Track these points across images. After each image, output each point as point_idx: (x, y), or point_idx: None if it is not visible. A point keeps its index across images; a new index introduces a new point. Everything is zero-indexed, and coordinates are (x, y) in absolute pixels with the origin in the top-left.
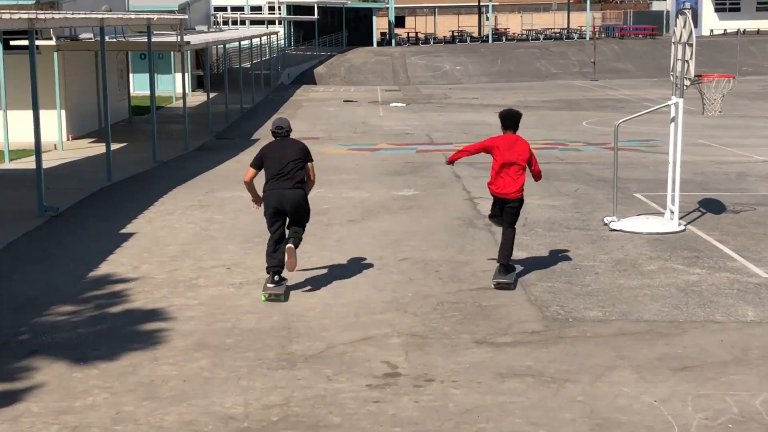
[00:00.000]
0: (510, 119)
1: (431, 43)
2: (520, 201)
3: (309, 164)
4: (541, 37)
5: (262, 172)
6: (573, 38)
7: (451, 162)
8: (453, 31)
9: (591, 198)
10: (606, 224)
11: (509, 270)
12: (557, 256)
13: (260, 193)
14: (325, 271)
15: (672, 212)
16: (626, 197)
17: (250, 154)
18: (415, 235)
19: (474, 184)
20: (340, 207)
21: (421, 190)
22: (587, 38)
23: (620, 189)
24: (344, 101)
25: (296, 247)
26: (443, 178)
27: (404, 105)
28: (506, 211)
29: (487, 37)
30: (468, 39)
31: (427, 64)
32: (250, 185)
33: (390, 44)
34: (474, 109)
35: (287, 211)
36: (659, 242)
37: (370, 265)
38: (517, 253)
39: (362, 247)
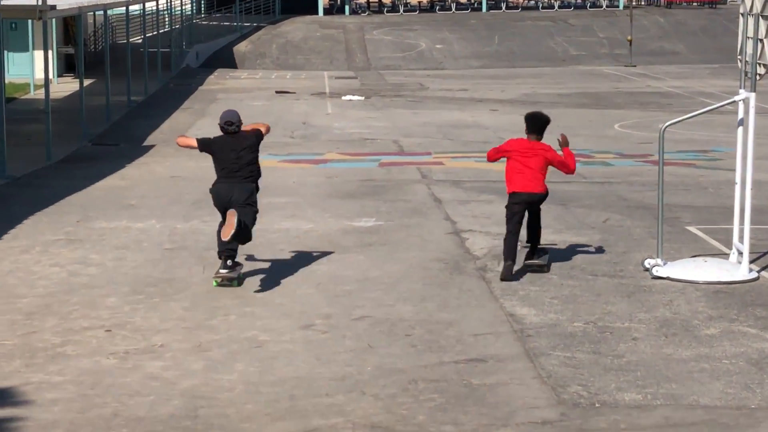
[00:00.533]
0: (535, 122)
1: (401, 11)
2: (546, 195)
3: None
4: (557, 4)
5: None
6: (601, 6)
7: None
8: None
9: (626, 232)
10: (647, 269)
11: (541, 253)
12: (579, 315)
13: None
14: (248, 333)
15: (740, 253)
16: (676, 231)
17: (142, 167)
18: (378, 284)
19: (461, 211)
20: (270, 243)
21: (385, 220)
22: (621, 6)
23: (667, 220)
24: (277, 92)
25: (240, 224)
26: (417, 202)
27: (362, 99)
28: (532, 213)
29: (480, 3)
30: (453, 6)
31: (395, 42)
32: (184, 143)
33: (342, 12)
34: (461, 105)
35: (233, 204)
36: (722, 295)
37: (313, 327)
38: (523, 310)
39: (302, 301)
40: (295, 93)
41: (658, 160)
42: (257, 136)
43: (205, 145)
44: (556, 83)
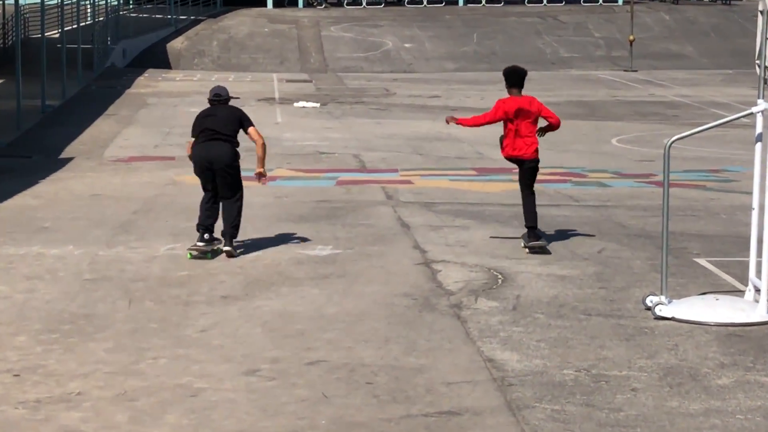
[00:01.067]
0: (515, 75)
1: (363, 4)
2: (538, 161)
3: (250, 129)
4: None
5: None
6: (597, 1)
7: (456, 123)
8: None
9: (625, 265)
10: (649, 308)
11: (540, 236)
12: (569, 361)
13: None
14: (181, 380)
15: (757, 290)
16: (683, 264)
17: (58, 183)
18: (334, 323)
19: (432, 238)
20: (208, 274)
21: (344, 248)
22: (620, 1)
23: (673, 251)
24: None
25: (233, 238)
26: (381, 227)
27: (317, 106)
28: (524, 171)
29: None
30: None
31: (356, 39)
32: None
33: (295, 4)
34: (433, 114)
35: (214, 170)
36: (736, 339)
37: (258, 372)
38: (504, 354)
39: (245, 342)
40: (238, 98)
41: (663, 180)
42: (242, 120)
43: (194, 129)
44: (544, 90)
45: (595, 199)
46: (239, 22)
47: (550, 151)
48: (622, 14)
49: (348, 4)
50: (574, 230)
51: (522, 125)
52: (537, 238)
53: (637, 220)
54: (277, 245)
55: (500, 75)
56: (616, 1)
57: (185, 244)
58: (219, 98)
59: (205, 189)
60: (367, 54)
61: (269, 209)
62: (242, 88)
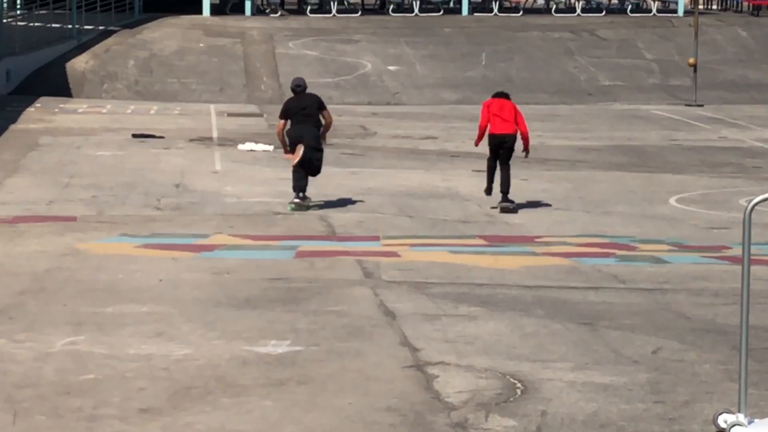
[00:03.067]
0: (501, 92)
1: (333, 11)
2: (515, 139)
3: (324, 111)
4: (579, 5)
5: None
6: (649, 11)
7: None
8: None
9: (688, 371)
10: (722, 430)
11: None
12: None
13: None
14: None
15: None
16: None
17: None
18: None
19: (427, 331)
20: (121, 377)
21: (306, 344)
22: (680, 11)
23: (754, 352)
24: (135, 137)
25: (305, 156)
26: (357, 316)
27: (271, 149)
28: (504, 150)
29: (459, 1)
30: (415, 4)
31: (323, 59)
32: (281, 136)
33: (241, 11)
34: (427, 162)
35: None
36: None
37: None
38: None
39: None
40: (163, 138)
41: (742, 255)
42: (319, 103)
43: (283, 113)
44: (577, 130)
45: (647, 281)
46: (165, 34)
47: (586, 214)
48: (683, 29)
49: (312, 12)
50: (620, 323)
51: (503, 113)
52: (510, 202)
53: (704, 309)
54: (215, 340)
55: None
56: (675, 12)
57: (91, 338)
58: (299, 88)
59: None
60: (338, 79)
61: (205, 290)
62: (168, 124)
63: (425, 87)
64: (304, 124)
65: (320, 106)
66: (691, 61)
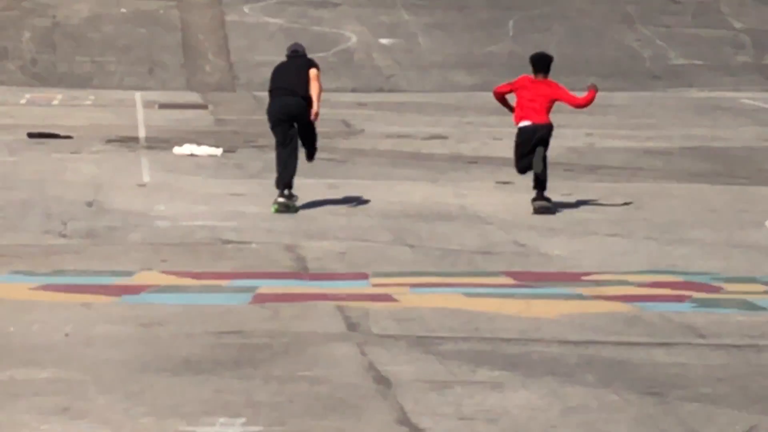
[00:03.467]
0: (542, 62)
1: None
2: (551, 127)
3: (312, 71)
4: None
5: None
6: None
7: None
8: None
9: None
10: None
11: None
12: None
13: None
14: None
15: None
16: None
17: None
18: None
19: (433, 404)
20: None
21: (269, 423)
22: None
23: None
24: (31, 136)
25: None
26: (340, 383)
27: (219, 154)
28: (537, 141)
29: None
30: None
31: (290, 29)
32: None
33: None
34: (435, 169)
35: (294, 119)
36: None
37: None
38: None
39: None
40: (70, 138)
41: None
42: (310, 65)
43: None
44: (640, 127)
45: (736, 334)
46: None
47: (652, 242)
48: None
49: None
50: (699, 392)
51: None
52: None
53: None
54: (142, 417)
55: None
56: None
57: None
58: (296, 54)
59: (277, 142)
60: (311, 56)
61: (128, 348)
62: (76, 120)
63: (431, 67)
64: (290, 95)
65: (310, 66)
66: None
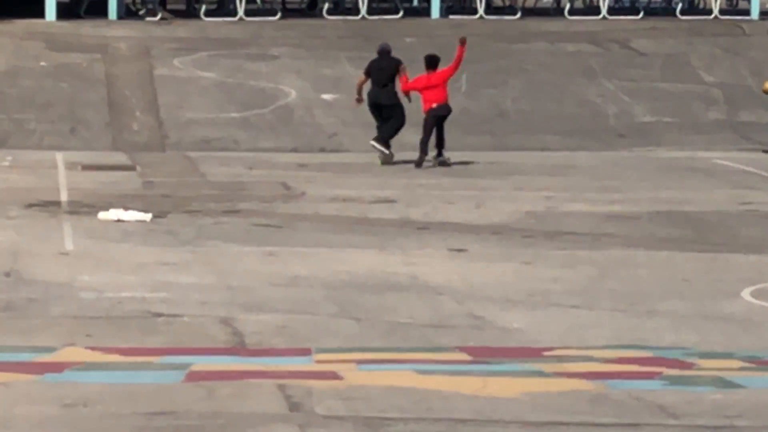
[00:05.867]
0: (431, 61)
1: (239, 14)
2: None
3: (400, 67)
4: (605, 2)
5: None
6: (709, 12)
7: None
8: None
9: None
10: None
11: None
12: None
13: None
14: None
15: None
16: None
17: None
18: None
19: None
20: None
21: None
22: (754, 14)
23: None
24: None
25: (381, 141)
26: None
27: (148, 219)
28: (439, 120)
29: None
30: (362, 2)
31: (225, 84)
32: (359, 87)
33: (104, 14)
34: (381, 237)
35: (382, 105)
36: None
37: None
38: None
39: None
40: None
41: None
42: (397, 65)
43: (365, 71)
44: (604, 189)
45: (710, 414)
46: None
47: (619, 314)
48: (760, 38)
49: (208, 14)
50: None
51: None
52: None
53: None
54: None
55: (513, 157)
56: (748, 13)
57: None
58: (385, 52)
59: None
60: (248, 114)
61: (51, 430)
62: None
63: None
64: (381, 87)
65: (398, 66)
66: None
